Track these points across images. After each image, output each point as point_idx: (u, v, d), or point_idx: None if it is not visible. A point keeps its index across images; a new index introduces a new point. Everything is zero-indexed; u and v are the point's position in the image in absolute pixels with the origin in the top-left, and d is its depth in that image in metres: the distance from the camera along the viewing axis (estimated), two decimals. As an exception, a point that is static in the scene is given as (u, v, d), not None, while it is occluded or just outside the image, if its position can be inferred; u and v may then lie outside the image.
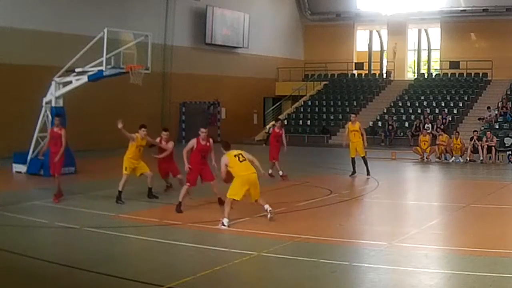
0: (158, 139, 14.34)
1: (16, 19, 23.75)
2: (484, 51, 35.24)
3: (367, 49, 41.40)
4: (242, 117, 35.31)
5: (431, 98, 33.83)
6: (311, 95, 37.18)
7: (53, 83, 18.72)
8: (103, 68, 18.04)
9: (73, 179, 17.25)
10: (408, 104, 34.00)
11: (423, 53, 40.76)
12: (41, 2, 24.85)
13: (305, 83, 37.82)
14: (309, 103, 36.50)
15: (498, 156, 23.26)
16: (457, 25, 36.23)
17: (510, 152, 23.39)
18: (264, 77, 37.47)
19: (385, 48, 40.10)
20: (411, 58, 40.95)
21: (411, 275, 8.16)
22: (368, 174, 18.12)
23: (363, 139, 18.33)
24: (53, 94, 18.70)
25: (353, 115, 19.63)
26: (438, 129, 28.59)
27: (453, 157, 23.52)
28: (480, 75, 34.90)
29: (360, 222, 12.34)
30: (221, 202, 12.57)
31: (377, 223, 12.17)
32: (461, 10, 35.87)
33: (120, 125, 13.06)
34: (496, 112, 29.82)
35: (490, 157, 23.07)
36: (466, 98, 33.13)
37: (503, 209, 13.41)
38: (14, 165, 19.07)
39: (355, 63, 40.02)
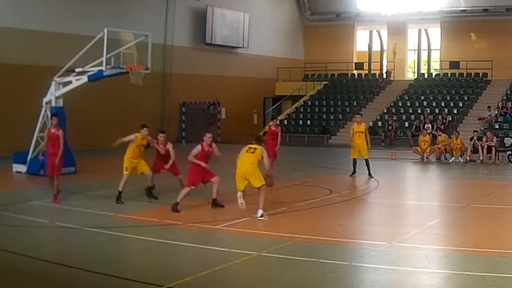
0: (155, 142, 14.26)
1: (16, 19, 23.74)
2: (484, 51, 35.21)
3: (367, 49, 41.38)
4: (242, 117, 35.30)
5: (431, 98, 33.82)
6: (311, 95, 37.16)
7: (53, 83, 18.71)
8: (103, 68, 18.03)
9: (73, 179, 17.24)
10: (408, 104, 33.99)
11: (423, 53, 40.73)
12: (41, 2, 24.85)
13: (305, 83, 37.79)
14: (309, 103, 36.49)
15: (498, 156, 23.24)
16: (457, 25, 36.20)
17: (510, 152, 23.38)
18: (264, 77, 37.44)
19: (385, 48, 40.09)
20: (411, 58, 40.92)
21: (411, 275, 8.16)
22: (370, 175, 17.86)
23: (367, 141, 18.02)
24: (53, 94, 18.69)
25: (358, 116, 19.09)
26: (438, 129, 28.62)
27: (453, 157, 23.50)
28: (480, 75, 34.88)
29: (360, 222, 12.33)
30: (215, 203, 12.62)
31: (377, 223, 12.17)
32: (461, 10, 35.85)
33: (115, 145, 13.26)
34: (496, 112, 29.81)
35: (490, 157, 23.06)
36: (466, 98, 33.12)
37: (503, 209, 13.41)
38: (14, 165, 19.06)
39: (355, 63, 39.99)
